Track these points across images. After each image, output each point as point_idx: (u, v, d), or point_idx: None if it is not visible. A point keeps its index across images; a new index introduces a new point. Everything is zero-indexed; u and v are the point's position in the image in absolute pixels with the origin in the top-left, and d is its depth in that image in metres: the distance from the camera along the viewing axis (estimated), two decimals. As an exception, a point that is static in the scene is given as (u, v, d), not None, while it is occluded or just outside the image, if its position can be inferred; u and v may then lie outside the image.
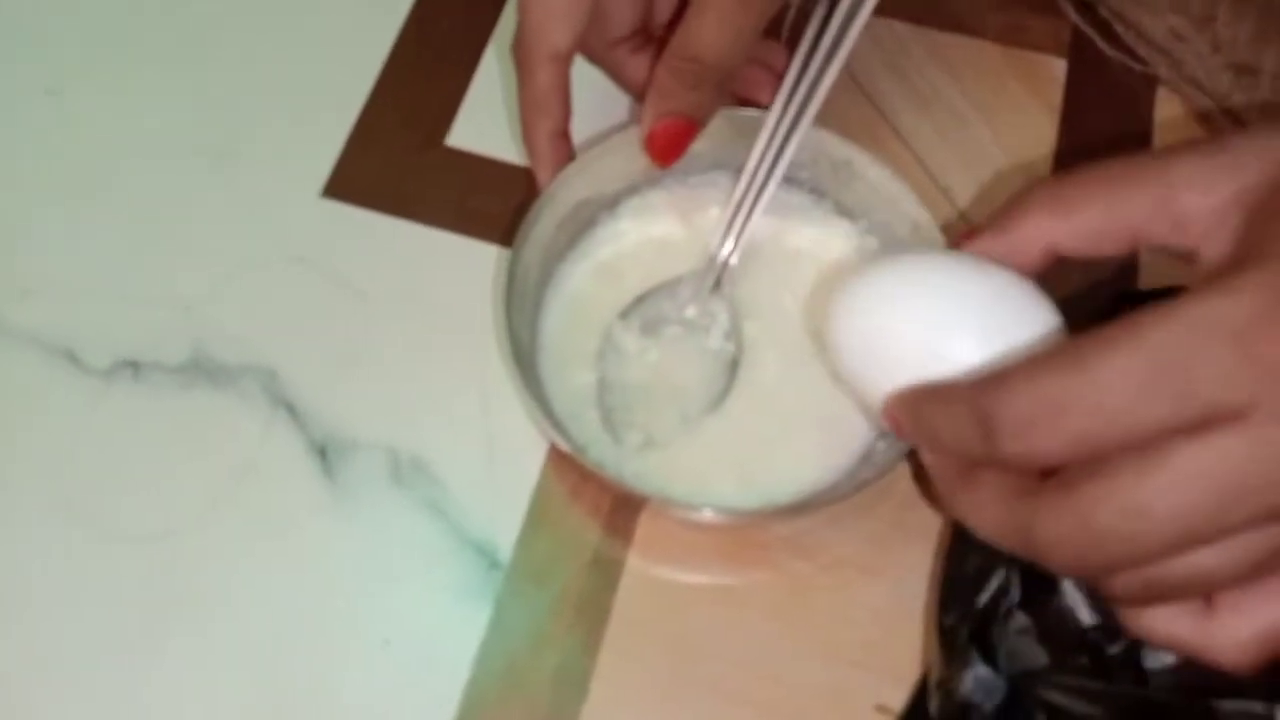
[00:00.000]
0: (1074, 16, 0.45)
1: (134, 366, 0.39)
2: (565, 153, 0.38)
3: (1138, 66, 0.44)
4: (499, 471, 0.38)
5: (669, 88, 0.36)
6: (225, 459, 0.38)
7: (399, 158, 0.44)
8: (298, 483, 0.37)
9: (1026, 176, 0.43)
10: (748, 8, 0.35)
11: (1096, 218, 0.26)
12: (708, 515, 0.35)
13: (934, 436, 0.27)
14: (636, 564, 0.36)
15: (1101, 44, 0.45)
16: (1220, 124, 0.43)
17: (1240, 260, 0.23)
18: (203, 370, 0.39)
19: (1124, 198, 0.26)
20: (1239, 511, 0.22)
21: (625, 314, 0.39)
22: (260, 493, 0.37)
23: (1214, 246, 0.24)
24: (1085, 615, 0.32)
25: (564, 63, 0.37)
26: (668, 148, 0.37)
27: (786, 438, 0.37)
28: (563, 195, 0.39)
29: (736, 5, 0.35)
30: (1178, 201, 0.25)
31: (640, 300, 0.39)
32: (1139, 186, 0.26)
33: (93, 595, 0.36)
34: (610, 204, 0.40)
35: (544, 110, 0.37)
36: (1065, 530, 0.23)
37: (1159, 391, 0.22)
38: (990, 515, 0.26)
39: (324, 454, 0.38)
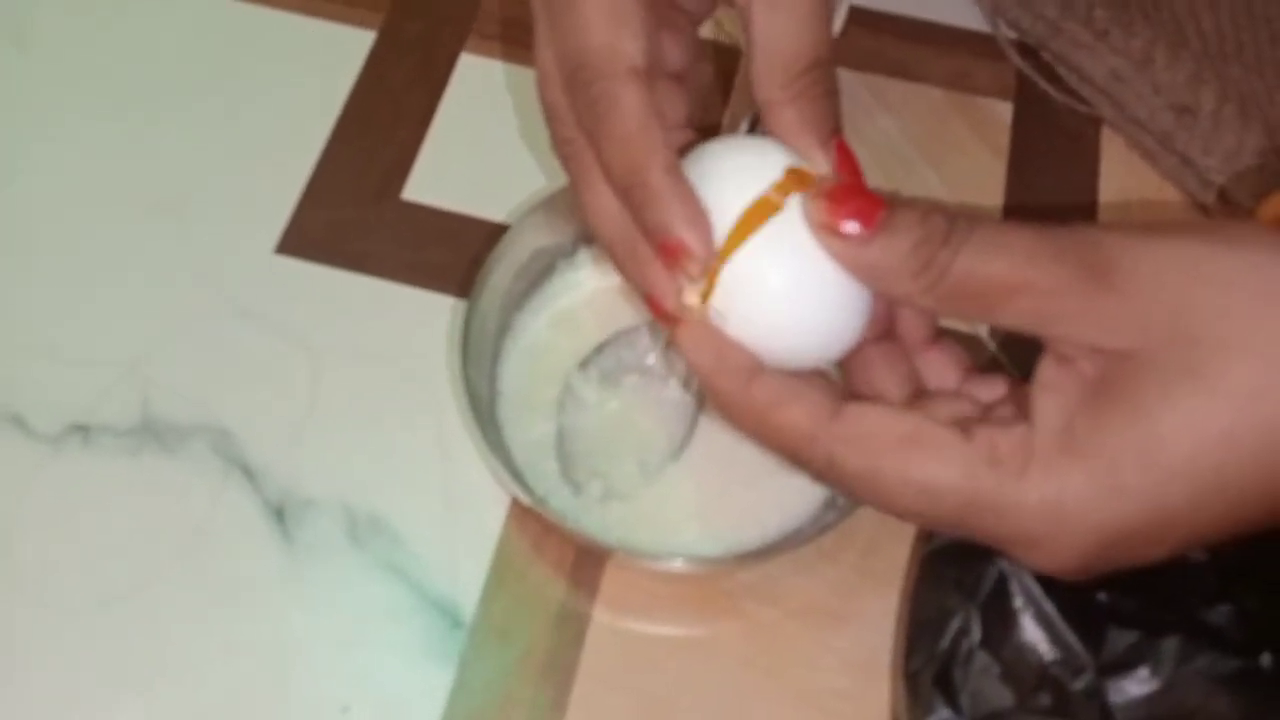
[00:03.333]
0: (1017, 61, 0.46)
1: (83, 430, 0.38)
2: (694, 190, 0.28)
3: (1082, 108, 0.45)
4: (460, 527, 0.37)
5: (820, 105, 0.28)
6: (179, 522, 0.37)
7: (354, 212, 0.43)
8: (253, 545, 0.36)
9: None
10: None
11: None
12: (673, 565, 0.35)
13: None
14: (603, 617, 0.36)
15: (1045, 87, 0.46)
16: (1165, 161, 0.44)
17: (1071, 443, 0.24)
18: (153, 432, 0.38)
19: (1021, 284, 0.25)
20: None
21: (584, 363, 0.39)
22: (215, 556, 0.36)
23: (1072, 371, 0.25)
24: (1047, 651, 0.32)
25: (646, 79, 0.29)
26: (854, 164, 0.29)
27: (748, 484, 0.37)
28: (519, 244, 0.39)
29: None
30: (1058, 324, 0.25)
31: (599, 349, 0.39)
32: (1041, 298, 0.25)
33: (40, 666, 0.35)
34: (568, 252, 0.40)
35: (652, 142, 0.28)
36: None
37: (950, 520, 0.26)
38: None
39: (280, 515, 0.37)
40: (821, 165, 0.28)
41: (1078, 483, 0.24)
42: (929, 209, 0.26)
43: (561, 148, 0.31)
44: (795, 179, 0.27)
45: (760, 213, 0.27)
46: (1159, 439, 0.24)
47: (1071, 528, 0.25)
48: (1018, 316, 0.25)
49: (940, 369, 0.29)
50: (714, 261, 0.27)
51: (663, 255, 0.27)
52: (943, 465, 0.25)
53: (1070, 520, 0.25)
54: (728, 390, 0.27)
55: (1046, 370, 0.26)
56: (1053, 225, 0.25)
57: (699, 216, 0.27)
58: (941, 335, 0.30)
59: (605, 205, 0.29)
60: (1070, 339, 0.25)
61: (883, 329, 0.29)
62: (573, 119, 0.29)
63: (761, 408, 0.26)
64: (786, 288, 0.27)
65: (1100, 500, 0.24)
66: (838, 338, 0.27)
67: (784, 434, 0.26)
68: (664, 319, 0.28)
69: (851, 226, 0.26)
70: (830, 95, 0.29)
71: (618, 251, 0.29)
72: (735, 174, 0.28)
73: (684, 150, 0.29)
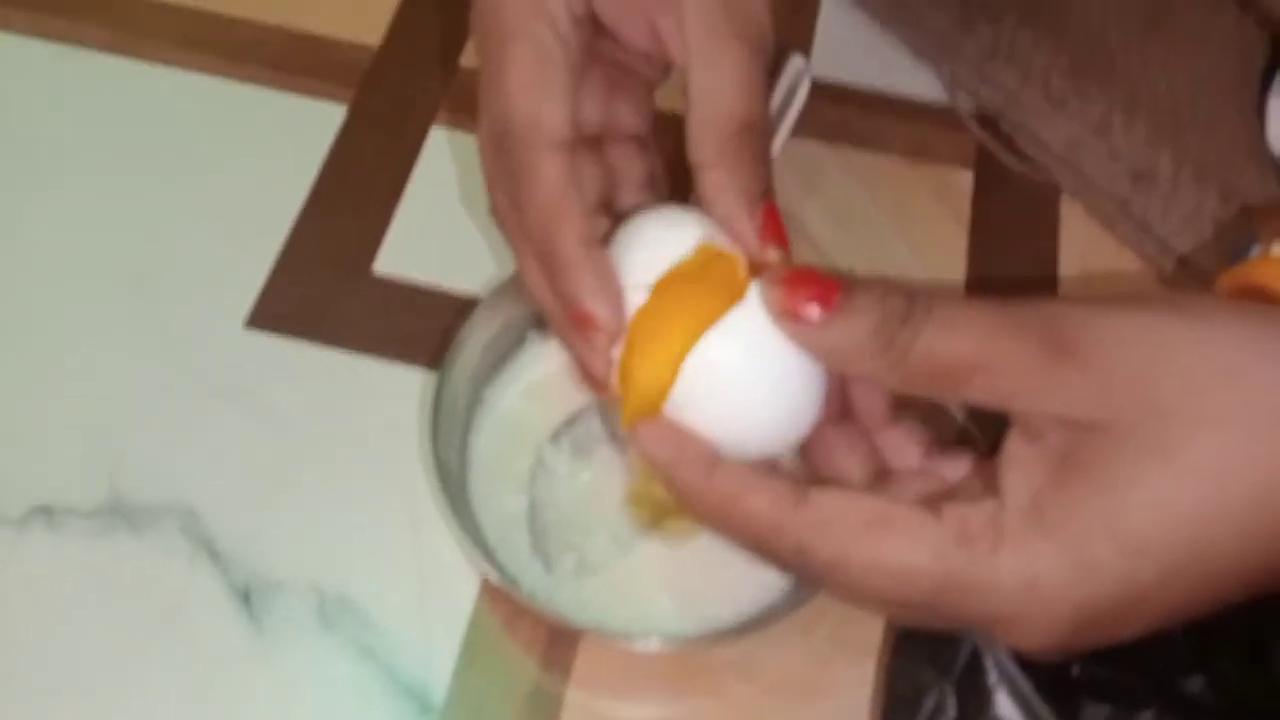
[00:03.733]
0: (976, 131, 0.47)
1: (47, 513, 0.38)
2: (607, 260, 0.29)
3: (1040, 176, 0.46)
4: (430, 606, 0.37)
5: (748, 168, 0.29)
6: (145, 607, 0.36)
7: (325, 286, 0.43)
8: (220, 629, 0.36)
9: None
10: (757, 53, 0.30)
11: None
12: (648, 646, 0.34)
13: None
14: (577, 698, 0.35)
15: (1004, 156, 0.47)
16: (1123, 227, 0.45)
17: (1040, 519, 0.24)
18: (120, 513, 0.38)
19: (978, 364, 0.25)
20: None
21: (556, 435, 0.39)
22: (181, 641, 0.36)
23: (1039, 444, 0.25)
24: (1022, 729, 0.32)
25: (568, 151, 0.29)
26: (781, 230, 0.29)
27: (722, 557, 0.37)
28: (491, 317, 0.39)
29: (748, 53, 0.29)
30: (1021, 400, 0.25)
31: (570, 421, 0.39)
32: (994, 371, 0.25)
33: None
34: (538, 322, 0.41)
35: (563, 211, 0.29)
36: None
37: (924, 603, 0.25)
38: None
39: (247, 597, 0.36)
40: (746, 231, 0.28)
41: (1049, 560, 0.24)
42: (887, 288, 0.26)
43: (495, 215, 0.31)
44: (707, 255, 0.28)
45: (704, 303, 0.27)
46: (1127, 516, 0.24)
47: (1045, 606, 0.24)
48: (981, 393, 0.25)
49: (902, 447, 0.29)
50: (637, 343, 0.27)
51: (575, 324, 0.28)
52: (913, 546, 0.25)
53: (1043, 598, 0.24)
54: (689, 481, 0.27)
55: (1013, 445, 0.26)
56: (1014, 299, 0.26)
57: (606, 288, 0.28)
58: (901, 412, 0.29)
59: (533, 273, 0.30)
60: (1035, 413, 0.25)
61: (839, 409, 0.29)
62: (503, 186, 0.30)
63: (724, 498, 0.26)
64: (744, 376, 0.27)
65: (1072, 577, 0.24)
66: (797, 422, 0.28)
67: (749, 524, 0.26)
68: (592, 384, 0.29)
69: (811, 310, 0.26)
70: (760, 160, 0.29)
71: (550, 317, 0.30)
72: (648, 246, 0.28)
73: (631, 213, 0.29)
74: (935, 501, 0.25)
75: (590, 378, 0.29)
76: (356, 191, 0.46)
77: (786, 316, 0.26)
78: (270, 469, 0.39)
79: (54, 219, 0.44)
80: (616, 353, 0.28)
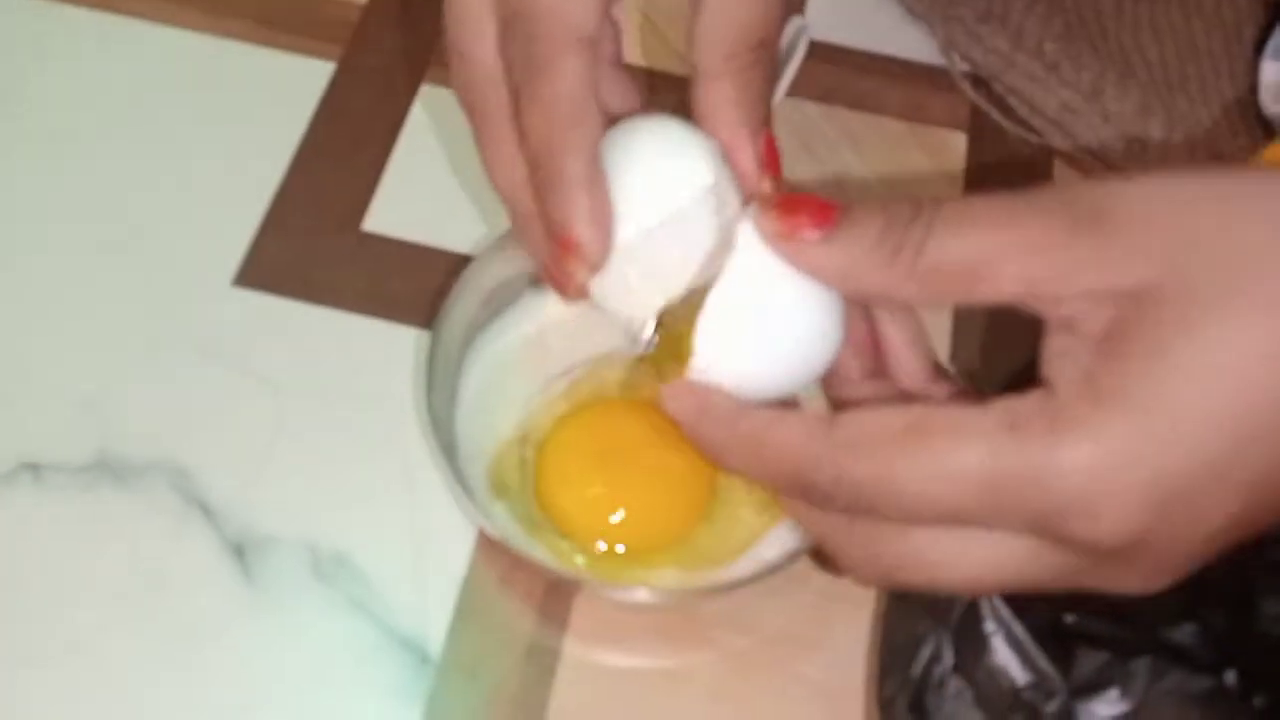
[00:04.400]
0: (971, 94, 0.47)
1: (34, 469, 0.37)
2: (606, 186, 0.27)
3: (1033, 138, 0.46)
4: (426, 562, 0.36)
5: (757, 88, 0.27)
6: (135, 564, 0.36)
7: (313, 243, 0.43)
8: (214, 585, 0.36)
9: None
10: None
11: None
12: (642, 596, 0.34)
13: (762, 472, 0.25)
14: (573, 651, 0.35)
15: (998, 118, 0.47)
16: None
17: (1097, 395, 0.22)
18: (109, 469, 0.37)
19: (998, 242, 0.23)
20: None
21: (551, 390, 0.39)
22: (174, 598, 0.35)
23: (1076, 334, 0.23)
24: (1019, 674, 0.32)
25: (592, 51, 0.27)
26: (778, 164, 0.28)
27: (717, 511, 0.37)
28: (484, 275, 0.39)
29: None
30: (1056, 283, 0.22)
31: (566, 375, 0.39)
32: (1020, 248, 0.23)
33: (-10, 715, 0.33)
34: (534, 281, 0.40)
35: (580, 117, 0.26)
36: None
37: (988, 508, 0.22)
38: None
39: (240, 553, 0.36)
40: (746, 154, 0.27)
41: (1112, 434, 0.21)
42: (888, 200, 0.24)
43: (467, 92, 0.28)
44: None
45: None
46: (1187, 381, 0.21)
47: (1115, 486, 0.21)
48: (1010, 284, 0.23)
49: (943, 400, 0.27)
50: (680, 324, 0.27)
51: (558, 244, 0.27)
52: (959, 442, 0.22)
53: (1112, 476, 0.21)
54: (714, 434, 0.26)
55: (1052, 342, 0.23)
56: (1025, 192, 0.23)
57: (603, 217, 0.26)
58: (942, 372, 0.28)
59: (510, 168, 0.28)
60: (1069, 294, 0.22)
61: (872, 366, 0.28)
62: (495, 66, 0.27)
63: (752, 440, 0.25)
64: (753, 315, 0.26)
65: (1139, 449, 0.21)
66: (818, 353, 0.26)
67: (782, 460, 0.24)
68: (557, 290, 0.28)
69: (810, 231, 0.24)
70: (769, 81, 0.27)
71: (514, 215, 0.29)
72: (641, 169, 0.27)
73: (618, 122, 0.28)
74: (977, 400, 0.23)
75: (556, 288, 0.28)
76: (345, 149, 0.45)
77: (783, 239, 0.25)
78: (261, 426, 0.39)
79: (38, 177, 0.43)
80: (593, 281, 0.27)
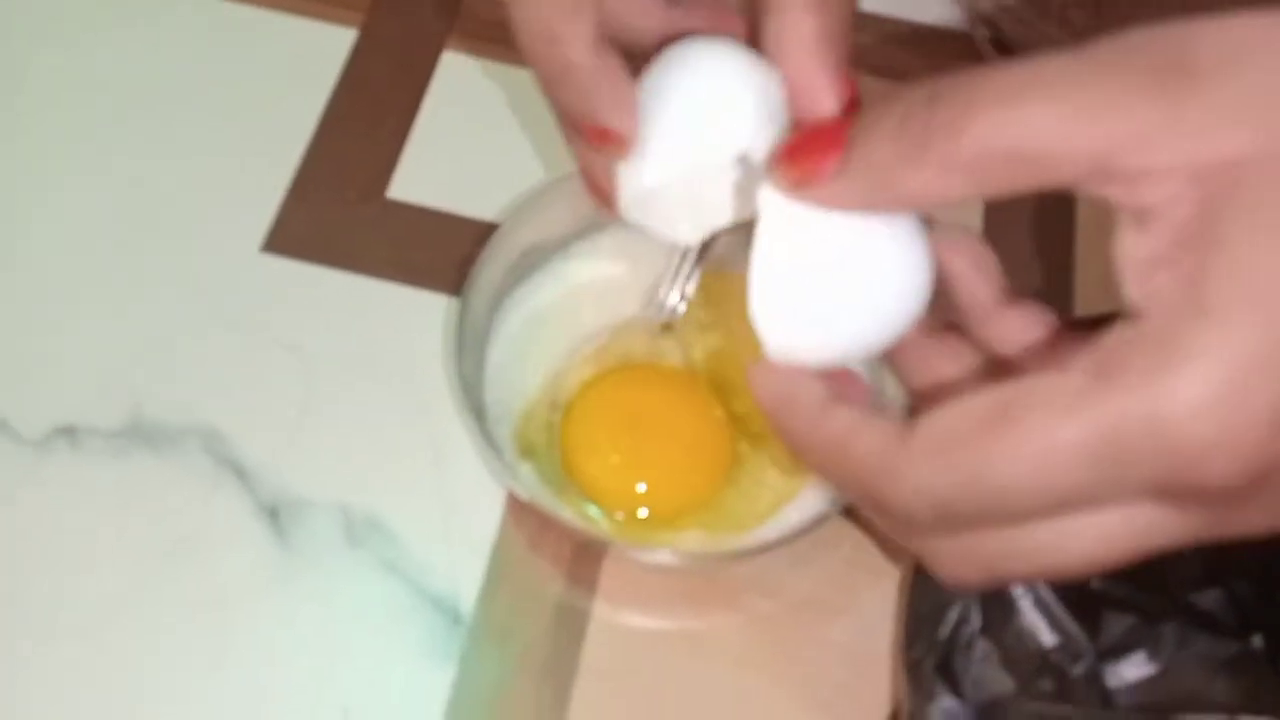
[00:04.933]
0: (994, 60, 0.47)
1: (70, 434, 0.38)
2: (619, 65, 0.26)
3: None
4: (456, 524, 0.37)
5: (837, 14, 0.24)
6: (170, 526, 0.36)
7: (339, 210, 0.43)
8: (248, 547, 0.36)
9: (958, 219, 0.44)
10: None
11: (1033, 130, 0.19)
12: (669, 559, 0.35)
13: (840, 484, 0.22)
14: (603, 612, 0.36)
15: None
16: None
17: (1199, 302, 0.18)
18: (142, 434, 0.38)
19: (1060, 117, 0.18)
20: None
21: (580, 354, 0.39)
22: (208, 560, 0.36)
23: (1164, 223, 0.18)
24: (1046, 637, 0.33)
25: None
26: (858, 106, 0.24)
27: (742, 475, 0.37)
28: (511, 241, 0.39)
29: None
30: (1130, 156, 0.18)
31: (594, 340, 0.39)
32: (1083, 118, 0.18)
33: (31, 675, 0.34)
34: (558, 247, 0.40)
35: (575, 11, 0.25)
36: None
37: (1103, 478, 0.19)
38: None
39: (274, 516, 0.37)
40: (821, 90, 0.23)
41: (1229, 350, 0.17)
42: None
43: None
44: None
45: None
46: None
47: (1255, 407, 0.17)
48: (1077, 163, 0.18)
49: (1020, 332, 0.23)
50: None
51: (586, 137, 0.25)
52: (1053, 417, 0.18)
53: (1248, 399, 0.17)
54: (797, 433, 0.23)
55: (1127, 248, 0.19)
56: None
57: (621, 99, 0.25)
58: (1018, 297, 0.23)
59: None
60: (1148, 170, 0.18)
61: (931, 323, 0.24)
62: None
63: (832, 447, 0.22)
64: (812, 278, 0.22)
65: (1267, 358, 0.17)
66: (896, 294, 0.23)
67: (860, 473, 0.21)
68: (597, 199, 0.26)
69: (825, 162, 0.21)
70: (850, 10, 0.24)
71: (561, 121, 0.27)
72: (701, 102, 0.25)
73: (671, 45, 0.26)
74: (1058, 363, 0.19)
75: (593, 195, 0.26)
76: (369, 116, 0.45)
77: (802, 186, 0.21)
78: (292, 390, 0.39)
79: (68, 151, 0.44)
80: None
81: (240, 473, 0.37)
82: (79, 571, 0.36)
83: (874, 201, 0.21)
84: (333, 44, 0.47)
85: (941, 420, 0.20)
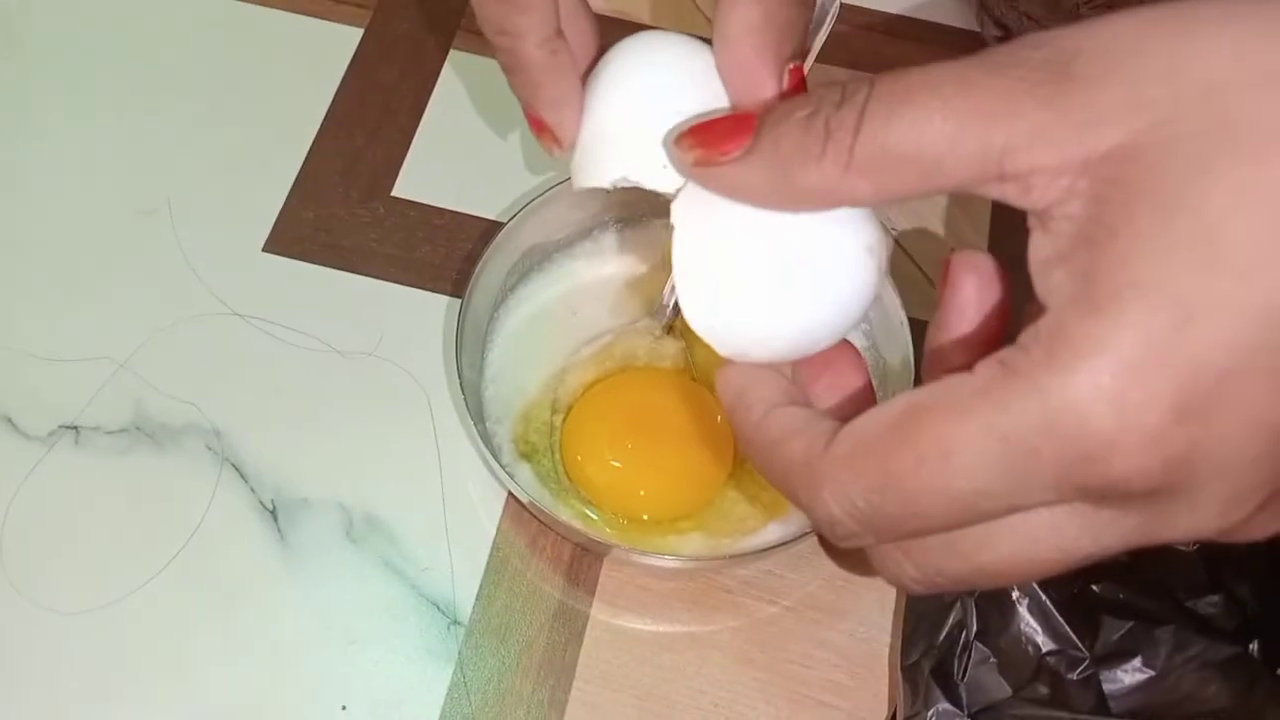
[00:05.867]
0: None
1: (74, 431, 0.38)
2: (567, 65, 0.26)
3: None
4: (456, 525, 0.37)
5: (790, 12, 0.24)
6: (171, 522, 0.37)
7: (342, 210, 0.43)
8: (247, 545, 0.36)
9: (962, 208, 0.44)
10: None
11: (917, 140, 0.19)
12: (667, 562, 0.35)
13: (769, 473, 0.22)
14: (601, 614, 0.36)
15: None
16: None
17: (1093, 289, 0.18)
18: (145, 432, 0.38)
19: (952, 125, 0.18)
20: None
21: (580, 356, 0.39)
22: (208, 556, 0.36)
23: (1061, 222, 0.18)
24: (1043, 641, 0.32)
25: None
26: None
27: (743, 477, 0.37)
28: (513, 242, 0.39)
29: None
30: (1020, 156, 0.18)
31: (595, 341, 0.39)
32: (974, 120, 0.18)
33: (32, 669, 0.34)
34: (561, 246, 0.40)
35: (527, 4, 0.26)
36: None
37: (1005, 478, 0.18)
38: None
39: (274, 514, 0.37)
40: (766, 88, 0.23)
41: (1120, 340, 0.17)
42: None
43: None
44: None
45: None
46: (1192, 248, 0.17)
47: (1148, 397, 0.17)
48: (968, 165, 0.18)
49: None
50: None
51: (531, 123, 0.26)
52: (954, 416, 0.18)
53: (1140, 388, 0.17)
54: (741, 426, 0.23)
55: (1034, 248, 0.19)
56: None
57: (561, 102, 0.26)
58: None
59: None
60: (1041, 168, 0.18)
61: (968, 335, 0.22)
62: None
63: (766, 445, 0.22)
64: (730, 272, 0.22)
65: (1159, 349, 0.17)
66: (829, 286, 0.22)
67: (789, 473, 0.21)
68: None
69: (732, 145, 0.20)
70: (806, 9, 0.24)
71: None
72: (650, 74, 0.25)
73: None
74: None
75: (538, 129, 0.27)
76: (374, 115, 0.45)
77: (700, 166, 0.21)
78: (293, 390, 0.39)
79: (72, 147, 0.44)
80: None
81: (240, 471, 0.37)
82: (81, 567, 0.36)
83: (773, 194, 0.21)
84: (338, 42, 0.47)
85: (858, 427, 0.20)
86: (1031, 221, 0.19)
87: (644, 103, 0.25)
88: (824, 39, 0.39)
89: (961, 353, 0.21)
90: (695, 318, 0.23)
